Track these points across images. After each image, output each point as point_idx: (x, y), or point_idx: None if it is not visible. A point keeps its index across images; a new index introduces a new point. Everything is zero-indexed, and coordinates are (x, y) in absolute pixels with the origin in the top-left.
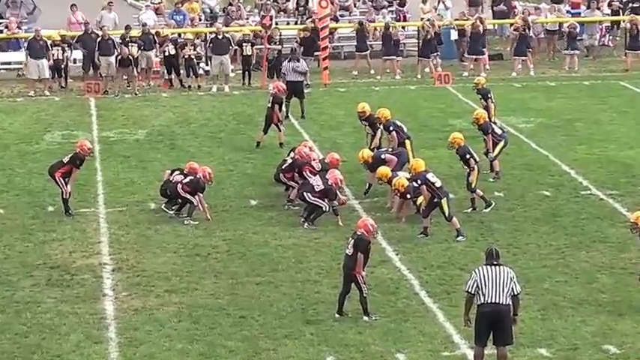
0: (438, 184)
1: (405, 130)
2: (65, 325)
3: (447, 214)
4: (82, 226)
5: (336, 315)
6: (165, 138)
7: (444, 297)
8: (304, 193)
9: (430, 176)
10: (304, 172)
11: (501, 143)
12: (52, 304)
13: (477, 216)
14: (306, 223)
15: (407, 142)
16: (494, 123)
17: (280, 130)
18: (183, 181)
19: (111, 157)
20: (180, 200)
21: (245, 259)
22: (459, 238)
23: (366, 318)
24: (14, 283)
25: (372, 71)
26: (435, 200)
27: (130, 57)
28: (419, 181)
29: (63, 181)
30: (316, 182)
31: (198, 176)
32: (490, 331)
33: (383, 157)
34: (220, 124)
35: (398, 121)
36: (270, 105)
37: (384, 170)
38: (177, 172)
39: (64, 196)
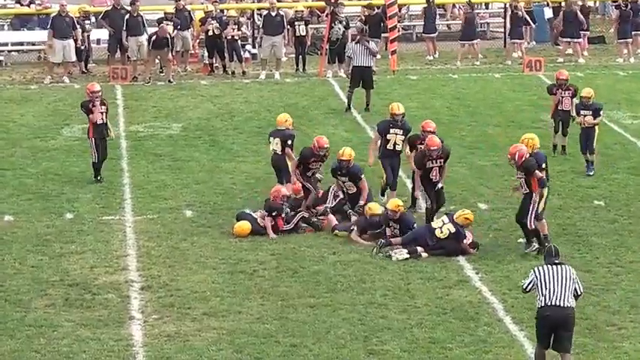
0: None
1: None
2: (85, 353)
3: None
4: (105, 236)
5: None
6: (204, 133)
7: (532, 324)
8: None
9: None
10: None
11: None
12: (69, 328)
13: (573, 228)
14: None
15: None
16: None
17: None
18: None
19: (140, 155)
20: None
21: (297, 278)
22: None
23: None
24: (26, 303)
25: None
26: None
27: (167, 37)
28: None
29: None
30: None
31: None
32: (552, 335)
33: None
34: (269, 118)
35: None
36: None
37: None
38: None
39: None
